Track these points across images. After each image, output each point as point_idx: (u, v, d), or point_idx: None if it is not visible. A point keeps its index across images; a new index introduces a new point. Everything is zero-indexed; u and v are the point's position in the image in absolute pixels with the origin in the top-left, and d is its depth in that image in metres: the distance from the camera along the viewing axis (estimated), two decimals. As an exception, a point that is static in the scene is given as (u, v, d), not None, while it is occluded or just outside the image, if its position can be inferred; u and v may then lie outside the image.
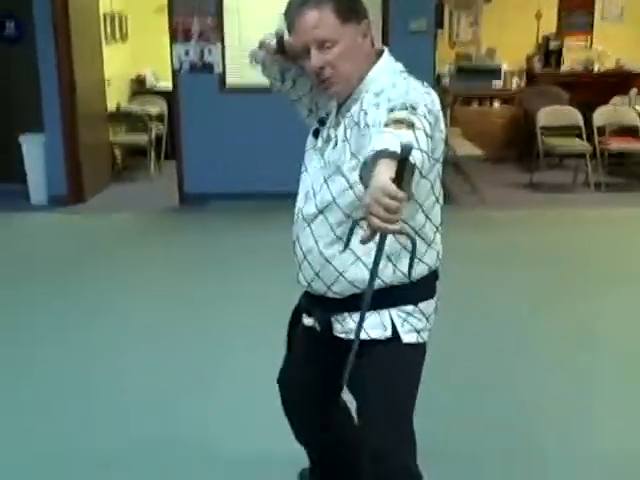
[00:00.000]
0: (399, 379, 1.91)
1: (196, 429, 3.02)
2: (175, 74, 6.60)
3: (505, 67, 8.72)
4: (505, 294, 4.53)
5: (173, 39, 6.53)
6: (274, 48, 1.96)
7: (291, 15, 1.84)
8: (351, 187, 1.79)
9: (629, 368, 3.59)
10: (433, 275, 1.94)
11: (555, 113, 7.47)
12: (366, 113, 1.77)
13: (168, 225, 6.35)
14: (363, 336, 1.79)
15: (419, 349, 1.92)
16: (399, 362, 1.90)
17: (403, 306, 1.87)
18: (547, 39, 9.00)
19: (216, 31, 6.53)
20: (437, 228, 1.90)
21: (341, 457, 2.29)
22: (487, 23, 8.83)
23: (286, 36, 1.89)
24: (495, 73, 8.67)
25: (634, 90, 7.83)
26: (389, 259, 1.81)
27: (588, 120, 7.41)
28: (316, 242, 1.88)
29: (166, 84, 7.55)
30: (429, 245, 1.88)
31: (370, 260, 1.59)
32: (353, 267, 1.84)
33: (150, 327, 4.10)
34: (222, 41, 6.56)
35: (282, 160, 6.64)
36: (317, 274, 1.90)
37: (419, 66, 6.55)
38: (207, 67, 6.57)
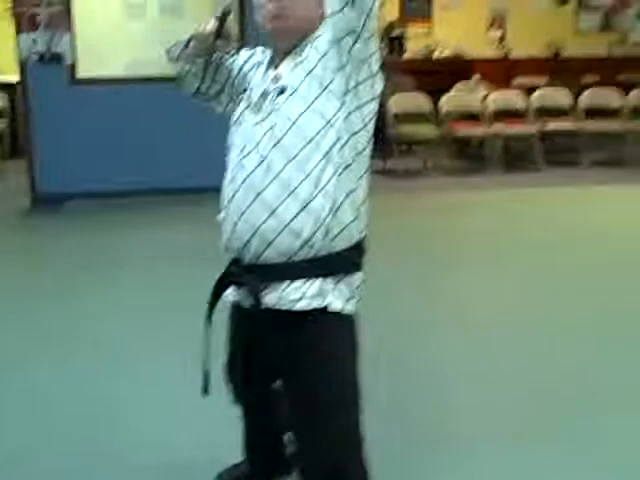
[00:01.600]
0: (337, 359, 1.89)
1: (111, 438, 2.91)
2: (22, 66, 6.21)
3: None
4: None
5: (18, 28, 6.13)
6: (213, 32, 1.93)
7: None
8: (329, 122, 1.79)
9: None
10: (359, 247, 1.93)
11: (405, 101, 7.75)
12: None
13: (17, 228, 5.99)
14: (289, 306, 1.81)
15: (350, 320, 1.92)
16: (334, 333, 1.89)
17: (330, 276, 1.85)
18: (390, 26, 9.28)
19: (64, 19, 6.20)
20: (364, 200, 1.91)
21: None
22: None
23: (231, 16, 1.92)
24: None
25: (476, 77, 8.25)
26: (320, 228, 1.80)
27: (434, 106, 7.74)
28: (258, 194, 1.81)
29: (6, 77, 7.10)
30: (356, 216, 1.87)
31: (316, 209, 1.76)
32: (299, 216, 1.79)
33: None
34: (72, 30, 6.24)
35: (140, 155, 6.49)
36: (256, 231, 1.81)
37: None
38: (56, 58, 6.24)
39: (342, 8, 1.73)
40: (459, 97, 8.08)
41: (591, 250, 5.29)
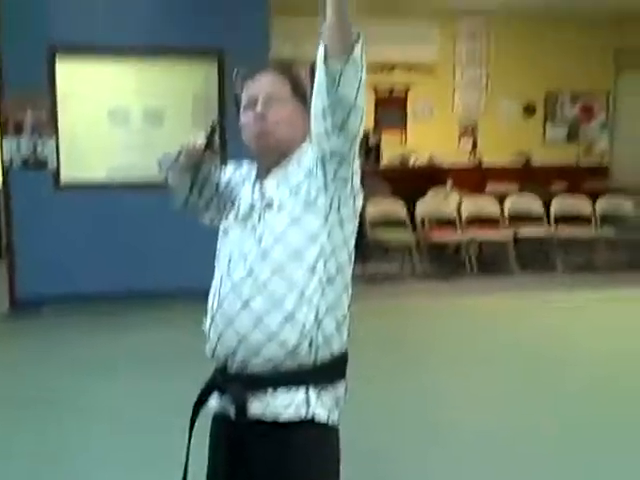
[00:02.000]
0: (321, 470, 1.88)
1: None
2: (5, 170, 6.30)
3: (329, 161, 9.13)
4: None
5: (3, 133, 6.25)
6: (202, 145, 1.99)
7: (251, 74, 1.97)
8: (313, 238, 1.85)
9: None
10: (342, 356, 1.95)
11: (382, 207, 7.92)
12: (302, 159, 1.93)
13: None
14: (275, 417, 1.82)
15: (334, 430, 1.91)
16: (317, 444, 1.87)
17: (315, 386, 1.86)
18: (366, 136, 9.57)
19: (50, 124, 6.34)
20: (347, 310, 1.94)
21: None
22: (310, 119, 9.26)
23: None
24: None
25: (449, 184, 8.50)
26: (305, 338, 1.83)
27: (410, 213, 7.92)
28: (245, 305, 1.84)
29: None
30: (339, 327, 1.90)
31: (301, 320, 1.80)
32: (285, 327, 1.82)
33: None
34: (56, 135, 6.38)
35: (122, 259, 6.53)
36: (242, 340, 1.84)
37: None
38: (40, 163, 6.34)
39: (329, 132, 1.77)
40: (434, 204, 8.30)
41: (563, 356, 5.36)
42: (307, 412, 1.84)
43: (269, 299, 1.83)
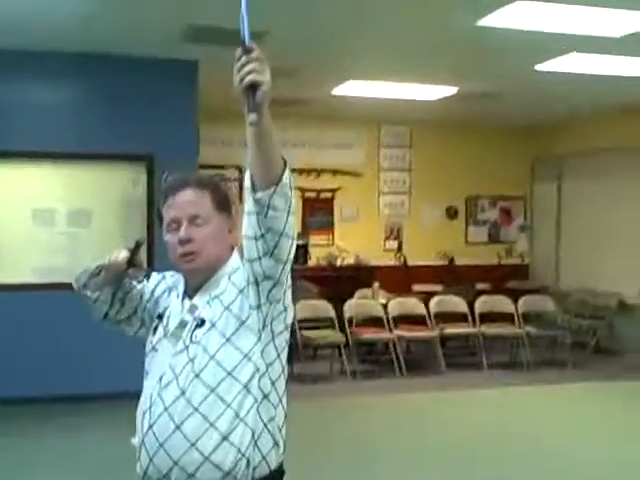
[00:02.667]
0: None
1: None
2: None
3: (257, 262, 9.20)
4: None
5: None
6: (125, 261, 1.97)
7: (171, 190, 1.95)
8: (246, 356, 1.84)
9: None
10: (279, 470, 1.93)
11: (310, 307, 7.96)
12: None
13: None
14: None
15: None
16: None
17: None
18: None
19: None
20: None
21: None
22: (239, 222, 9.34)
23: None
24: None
25: (376, 284, 8.62)
26: (241, 460, 1.80)
27: (338, 312, 7.98)
28: (178, 426, 1.80)
29: None
30: (276, 442, 1.89)
31: (237, 441, 1.77)
32: (220, 449, 1.79)
33: None
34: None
35: (48, 362, 6.33)
36: (176, 463, 1.79)
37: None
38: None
39: (260, 257, 1.76)
40: (361, 303, 8.39)
41: (491, 452, 5.38)
42: None
43: (203, 421, 1.80)
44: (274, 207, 1.68)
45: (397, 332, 8.07)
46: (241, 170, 9.59)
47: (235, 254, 2.00)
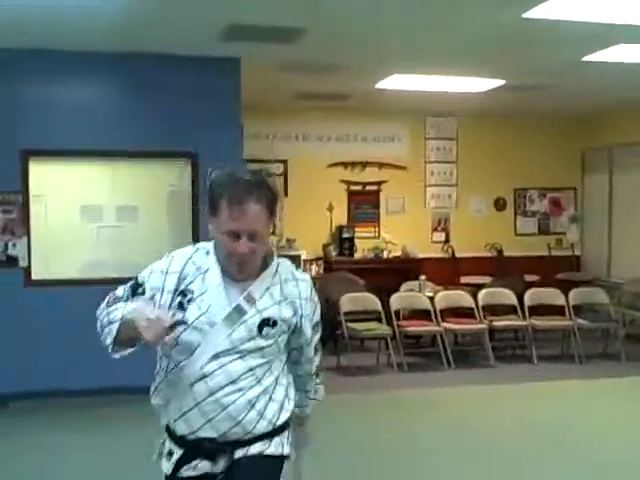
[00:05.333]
0: None
1: None
2: (-23, 269, 6.27)
3: (304, 255, 9.22)
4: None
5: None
6: (163, 337, 2.01)
7: (236, 200, 2.07)
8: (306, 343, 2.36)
9: None
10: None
11: (356, 299, 7.94)
12: (305, 307, 2.29)
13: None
14: (273, 451, 2.23)
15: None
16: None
17: (285, 433, 2.30)
18: (340, 229, 9.69)
19: (23, 224, 6.36)
20: None
21: None
22: (285, 215, 9.36)
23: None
24: (294, 261, 9.09)
25: (423, 277, 8.54)
26: (280, 411, 2.26)
27: (384, 304, 7.93)
28: (243, 394, 2.16)
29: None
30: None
31: (278, 398, 2.25)
32: (269, 406, 2.22)
33: None
34: (28, 234, 6.39)
35: (94, 356, 6.42)
36: (239, 422, 2.15)
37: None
38: (11, 261, 6.32)
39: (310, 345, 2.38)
40: (408, 296, 8.32)
41: (541, 447, 5.29)
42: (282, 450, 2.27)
43: (262, 389, 2.20)
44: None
45: (444, 325, 8.00)
46: (285, 163, 9.61)
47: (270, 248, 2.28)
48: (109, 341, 2.13)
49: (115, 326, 2.10)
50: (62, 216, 6.62)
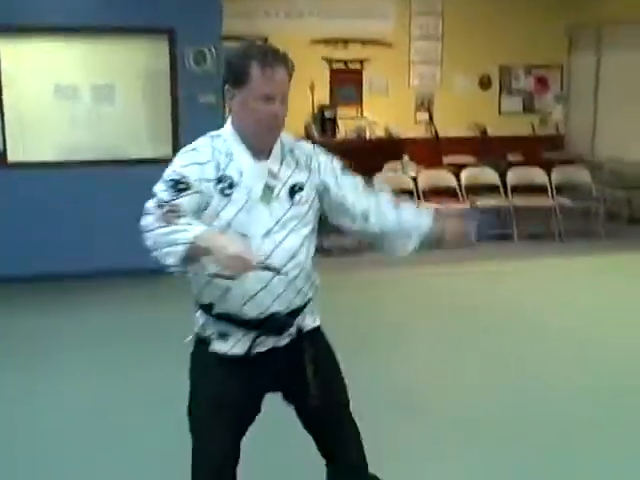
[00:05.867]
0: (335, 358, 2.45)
1: None
2: (-50, 152, 6.13)
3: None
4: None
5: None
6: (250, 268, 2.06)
7: (269, 63, 2.15)
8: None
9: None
10: None
11: (339, 180, 7.86)
12: (317, 160, 2.36)
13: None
14: (310, 323, 2.36)
15: None
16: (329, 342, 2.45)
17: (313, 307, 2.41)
18: (322, 109, 9.52)
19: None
20: None
21: None
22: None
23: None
24: (275, 142, 8.98)
25: (406, 157, 8.47)
26: (315, 279, 2.37)
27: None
28: (302, 268, 2.26)
29: None
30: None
31: (311, 269, 2.33)
32: (313, 276, 2.35)
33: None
34: (2, 115, 6.22)
35: (76, 238, 6.40)
36: (299, 291, 2.28)
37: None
38: (-16, 143, 6.19)
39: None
40: (390, 176, 8.28)
41: (521, 325, 5.40)
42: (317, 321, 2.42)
43: (311, 261, 2.30)
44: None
45: (427, 205, 7.99)
46: (265, 40, 9.31)
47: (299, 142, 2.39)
48: (171, 261, 2.02)
49: (181, 248, 2.00)
50: (35, 96, 6.43)
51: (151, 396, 4.08)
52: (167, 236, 2.01)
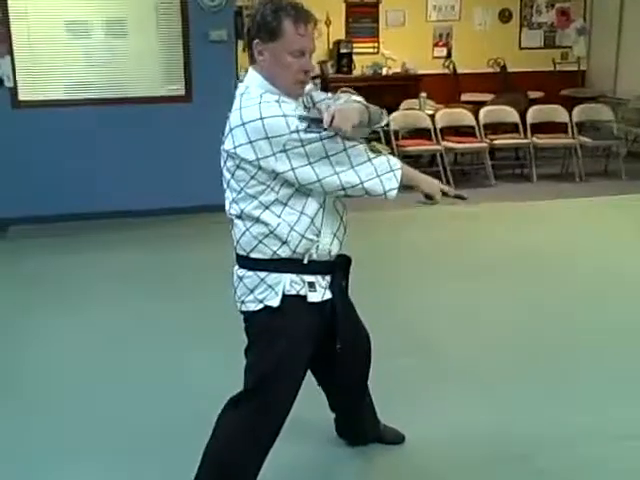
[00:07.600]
0: None
1: None
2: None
3: (300, 73, 8.90)
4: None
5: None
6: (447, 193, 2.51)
7: (302, 18, 2.25)
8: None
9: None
10: None
11: (355, 118, 7.71)
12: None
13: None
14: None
15: None
16: None
17: None
18: (338, 44, 9.30)
19: (4, 42, 6.04)
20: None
21: None
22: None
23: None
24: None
25: (423, 94, 8.28)
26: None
27: (384, 123, 7.73)
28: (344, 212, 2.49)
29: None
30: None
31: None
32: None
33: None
34: (11, 53, 6.10)
35: (88, 179, 6.34)
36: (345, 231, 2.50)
37: (222, 73, 6.51)
38: (-4, 81, 6.08)
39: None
40: (407, 114, 8.11)
41: (540, 265, 5.33)
42: None
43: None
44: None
45: (444, 144, 7.86)
46: None
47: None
48: (395, 185, 2.32)
49: (399, 173, 2.32)
50: (47, 32, 6.29)
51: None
52: (381, 165, 2.31)
